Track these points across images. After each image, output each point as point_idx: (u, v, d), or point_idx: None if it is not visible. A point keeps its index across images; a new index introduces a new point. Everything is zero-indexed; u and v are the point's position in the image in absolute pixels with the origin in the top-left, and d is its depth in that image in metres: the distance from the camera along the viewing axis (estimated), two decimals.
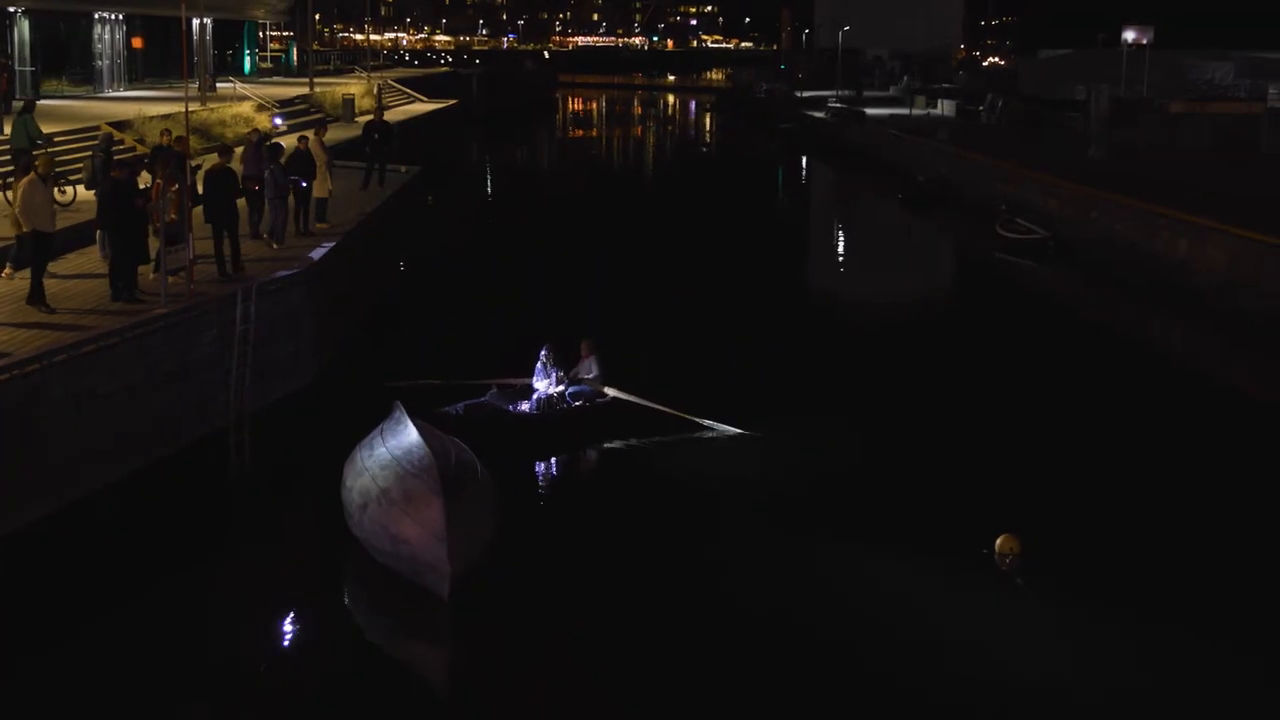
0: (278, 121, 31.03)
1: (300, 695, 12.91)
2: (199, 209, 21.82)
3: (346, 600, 15.28)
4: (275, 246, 23.62)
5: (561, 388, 20.68)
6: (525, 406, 20.52)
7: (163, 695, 12.67)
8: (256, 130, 30.64)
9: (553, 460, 19.90)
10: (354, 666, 13.39)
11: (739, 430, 20.37)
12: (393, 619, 14.73)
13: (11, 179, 20.70)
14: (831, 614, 14.56)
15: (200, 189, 22.19)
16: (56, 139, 31.66)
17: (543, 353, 20.76)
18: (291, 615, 14.57)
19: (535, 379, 20.74)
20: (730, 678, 13.25)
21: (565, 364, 21.02)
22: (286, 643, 14.18)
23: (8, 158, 24.43)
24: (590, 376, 21.05)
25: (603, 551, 16.31)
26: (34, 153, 21.93)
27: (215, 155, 23.17)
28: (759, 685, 13.10)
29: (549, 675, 13.14)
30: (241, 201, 23.07)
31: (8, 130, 31.31)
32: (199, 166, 25.62)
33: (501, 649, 13.74)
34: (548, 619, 14.30)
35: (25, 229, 18.04)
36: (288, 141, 28.37)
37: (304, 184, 25.05)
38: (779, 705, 12.73)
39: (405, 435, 15.72)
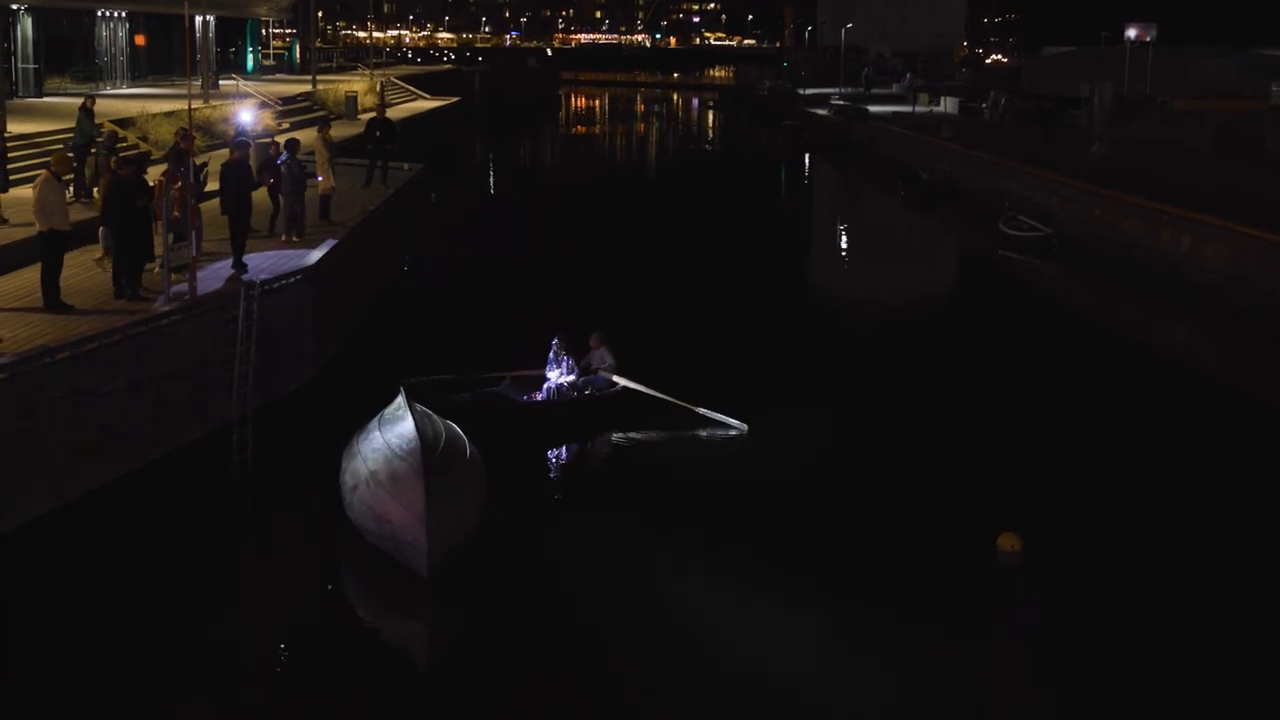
0: (244, 120, 30.22)
1: (282, 664, 13.52)
2: (214, 202, 22.01)
3: (335, 578, 15.76)
4: (287, 239, 23.92)
5: (572, 378, 21.05)
6: (537, 396, 20.95)
7: (160, 671, 13.06)
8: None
9: (558, 449, 20.19)
10: (332, 639, 13.92)
11: (743, 423, 20.50)
12: (374, 594, 15.40)
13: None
14: (828, 608, 14.59)
15: (208, 185, 22.34)
16: (60, 136, 31.68)
17: (554, 344, 21.17)
18: (283, 594, 15.14)
19: (547, 369, 21.15)
20: (712, 667, 13.34)
21: (578, 355, 21.40)
22: (276, 617, 14.59)
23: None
24: (602, 367, 21.36)
25: (594, 538, 16.55)
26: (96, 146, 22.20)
27: (228, 150, 23.38)
28: (740, 673, 13.21)
29: (517, 653, 13.57)
30: (261, 193, 23.41)
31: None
32: (205, 164, 25.68)
33: (474, 626, 14.37)
34: (525, 599, 14.76)
35: (43, 228, 17.98)
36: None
37: (319, 178, 25.22)
38: (761, 694, 12.79)
39: (399, 420, 16.14)
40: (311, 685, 12.98)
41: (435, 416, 16.77)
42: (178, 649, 13.50)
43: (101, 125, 27.32)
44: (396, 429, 15.86)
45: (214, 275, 20.36)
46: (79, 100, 27.93)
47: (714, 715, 12.54)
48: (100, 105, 36.08)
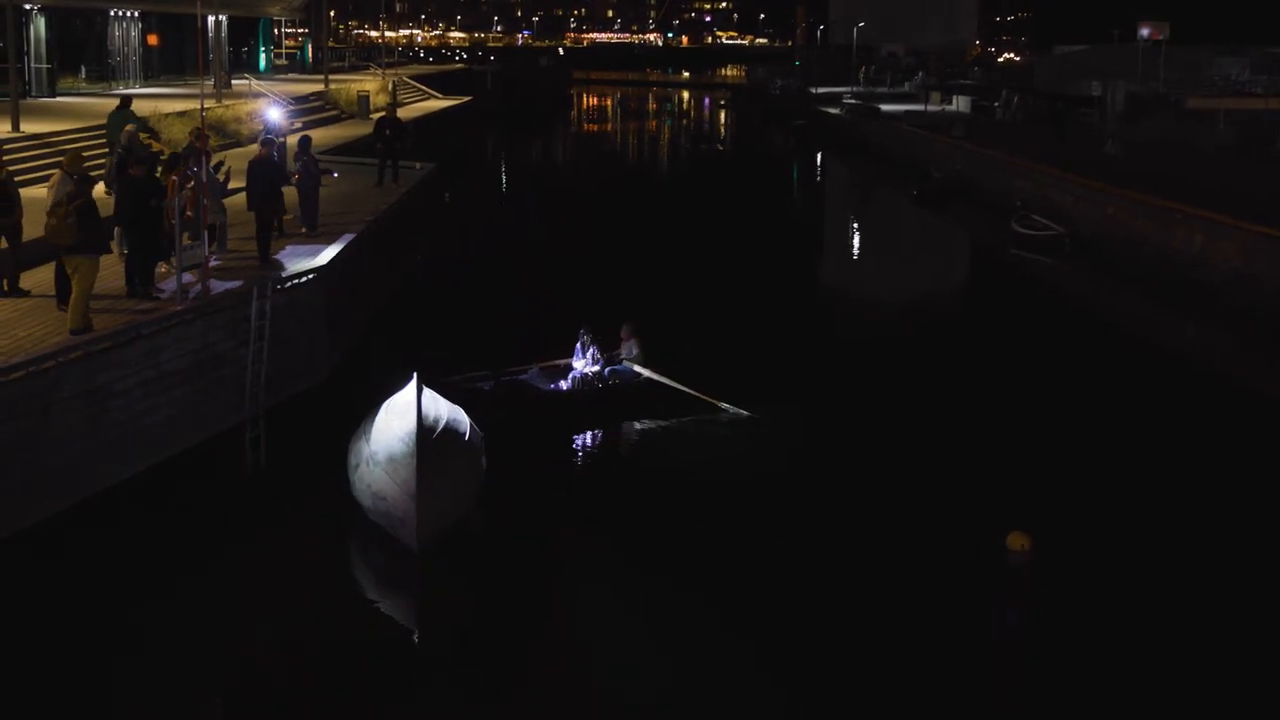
0: (272, 118, 30.33)
1: (272, 636, 14.05)
2: (240, 198, 22.42)
3: (333, 551, 16.22)
4: (304, 231, 24.49)
5: (597, 367, 21.45)
6: (562, 385, 21.35)
7: (165, 652, 13.39)
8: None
9: (577, 437, 20.47)
10: (320, 611, 14.56)
11: (759, 415, 20.77)
12: (367, 568, 15.91)
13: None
14: (832, 605, 14.61)
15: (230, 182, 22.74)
16: (71, 135, 31.80)
17: (581, 333, 21.62)
18: (283, 568, 15.70)
19: (574, 359, 21.61)
20: (704, 655, 13.45)
21: (606, 346, 21.81)
22: (274, 593, 15.07)
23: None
24: (628, 358, 21.73)
25: (598, 525, 16.90)
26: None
27: (258, 146, 23.83)
28: (734, 662, 13.30)
29: (494, 632, 14.07)
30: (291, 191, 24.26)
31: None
32: (221, 163, 25.78)
33: (457, 602, 15.07)
34: (513, 580, 15.31)
35: None
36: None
37: (335, 174, 25.49)
38: (755, 689, 12.83)
39: (404, 402, 16.53)
40: (295, 656, 13.56)
41: (442, 401, 17.24)
42: (178, 639, 13.69)
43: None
44: (399, 411, 16.36)
45: (237, 273, 20.43)
46: (93, 100, 28.07)
47: (701, 702, 12.61)
48: (113, 105, 36.15)
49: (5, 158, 19.78)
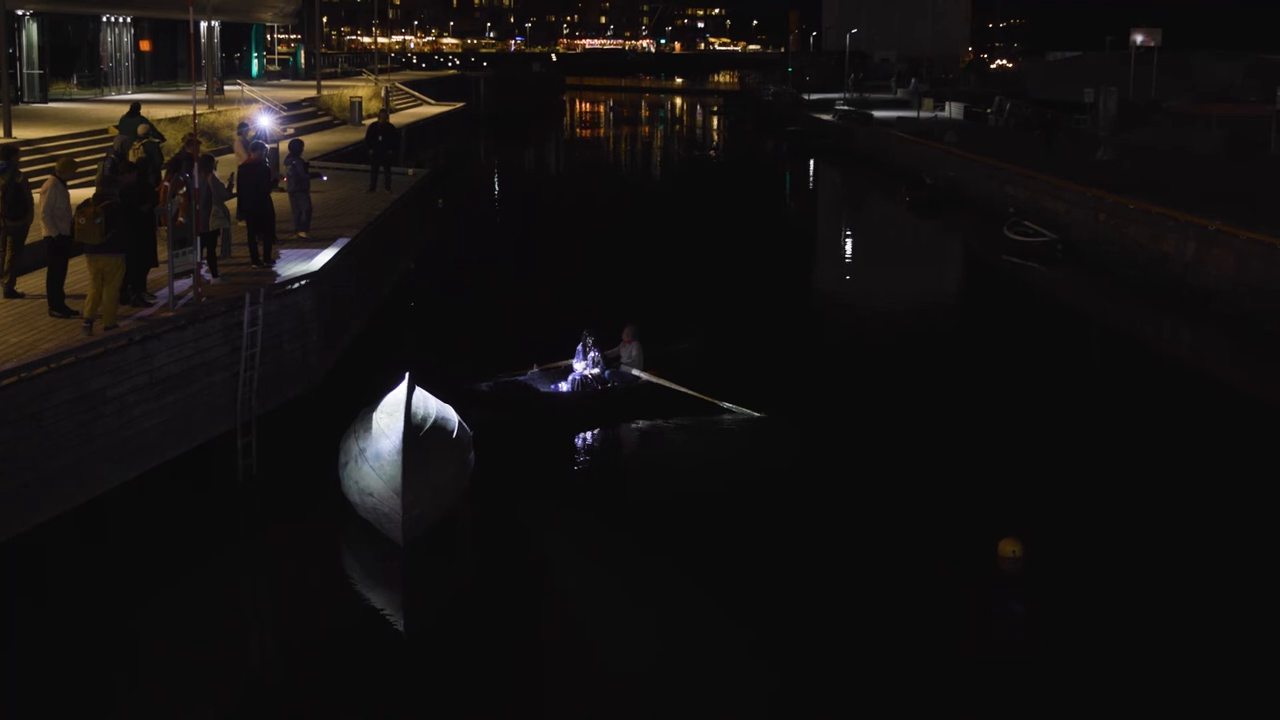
0: (263, 125, 30.24)
1: (263, 629, 14.62)
2: (233, 203, 22.65)
3: (324, 548, 16.64)
4: (303, 235, 24.49)
5: (598, 369, 21.67)
6: (562, 387, 21.59)
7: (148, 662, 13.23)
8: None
9: (575, 438, 20.68)
10: (311, 606, 15.07)
11: (759, 413, 21.11)
12: (355, 562, 16.41)
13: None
14: (827, 609, 14.61)
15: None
16: (63, 141, 31.74)
17: (583, 335, 21.86)
18: (281, 569, 16.24)
19: (575, 361, 21.83)
20: (693, 655, 13.50)
21: (607, 349, 22.09)
22: (270, 591, 15.66)
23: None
24: (629, 361, 22.01)
25: (588, 523, 17.13)
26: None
27: (240, 149, 23.87)
28: (725, 662, 13.35)
29: (479, 624, 14.48)
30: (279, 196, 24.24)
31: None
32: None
33: (440, 596, 15.54)
34: (495, 576, 15.70)
35: (50, 233, 17.98)
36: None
37: (324, 178, 25.48)
38: (748, 688, 12.85)
39: (393, 401, 16.90)
40: (284, 652, 14.00)
41: (432, 399, 17.54)
42: (171, 640, 13.80)
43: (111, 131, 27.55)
44: (389, 409, 16.72)
45: (230, 278, 20.41)
46: (85, 106, 28.06)
47: (696, 700, 12.62)
48: (106, 111, 36.13)
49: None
